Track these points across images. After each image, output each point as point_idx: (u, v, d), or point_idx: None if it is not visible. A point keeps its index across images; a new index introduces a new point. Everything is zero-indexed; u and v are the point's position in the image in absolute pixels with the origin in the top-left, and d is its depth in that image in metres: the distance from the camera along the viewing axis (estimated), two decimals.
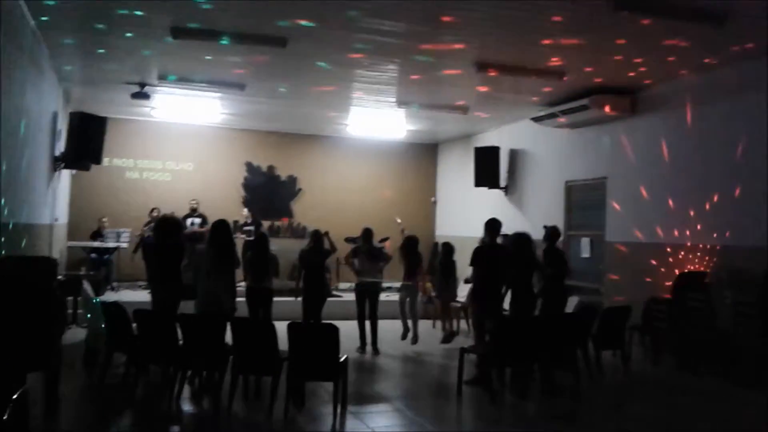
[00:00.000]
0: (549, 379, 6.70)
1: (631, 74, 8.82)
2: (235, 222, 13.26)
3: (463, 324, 10.42)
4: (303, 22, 7.15)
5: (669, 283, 8.41)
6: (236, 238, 10.87)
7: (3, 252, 5.67)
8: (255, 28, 7.43)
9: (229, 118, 13.38)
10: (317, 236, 8.74)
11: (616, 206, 9.97)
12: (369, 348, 8.76)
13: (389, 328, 9.23)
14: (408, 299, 9.25)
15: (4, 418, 3.59)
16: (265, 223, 13.47)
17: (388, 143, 15.41)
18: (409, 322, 9.19)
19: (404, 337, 9.15)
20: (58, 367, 5.65)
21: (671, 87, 9.07)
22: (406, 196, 15.78)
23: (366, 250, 9.08)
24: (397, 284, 9.88)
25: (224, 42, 7.72)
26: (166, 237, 7.03)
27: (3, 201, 6.14)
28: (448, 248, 9.89)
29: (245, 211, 13.87)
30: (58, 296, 5.90)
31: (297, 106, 11.95)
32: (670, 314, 8.04)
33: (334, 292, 11.76)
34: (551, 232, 8.26)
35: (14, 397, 3.89)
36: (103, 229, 12.54)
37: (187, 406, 6.05)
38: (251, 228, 12.46)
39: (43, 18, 7.21)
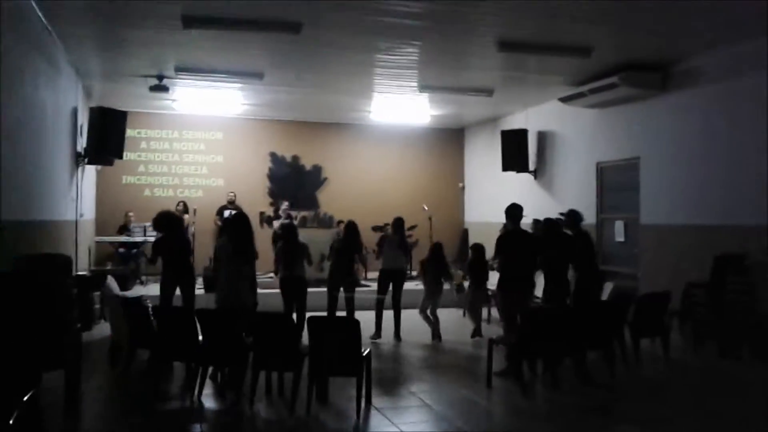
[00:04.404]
0: (582, 370, 6.42)
1: (662, 49, 8.42)
2: (261, 213, 13.15)
3: (493, 312, 10.11)
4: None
5: (708, 266, 8.03)
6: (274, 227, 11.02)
7: (11, 248, 5.59)
8: (267, 13, 7.23)
9: (250, 108, 13.26)
10: (351, 228, 8.67)
11: (651, 187, 9.57)
12: (385, 336, 8.58)
13: (413, 318, 8.93)
14: (431, 305, 8.67)
15: (11, 422, 3.48)
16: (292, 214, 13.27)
17: (412, 129, 15.13)
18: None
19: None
20: (78, 365, 5.58)
21: (704, 61, 8.63)
22: (433, 182, 15.52)
23: (397, 239, 8.98)
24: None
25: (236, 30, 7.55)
26: (164, 233, 7.43)
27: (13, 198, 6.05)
28: (479, 250, 9.06)
29: (285, 204, 13.30)
30: (71, 293, 5.80)
31: (317, 93, 11.77)
32: (709, 299, 7.68)
33: (363, 282, 11.59)
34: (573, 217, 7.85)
35: (24, 399, 3.79)
36: (129, 223, 12.53)
37: (209, 403, 5.93)
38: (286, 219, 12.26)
39: (54, 14, 7.12)
